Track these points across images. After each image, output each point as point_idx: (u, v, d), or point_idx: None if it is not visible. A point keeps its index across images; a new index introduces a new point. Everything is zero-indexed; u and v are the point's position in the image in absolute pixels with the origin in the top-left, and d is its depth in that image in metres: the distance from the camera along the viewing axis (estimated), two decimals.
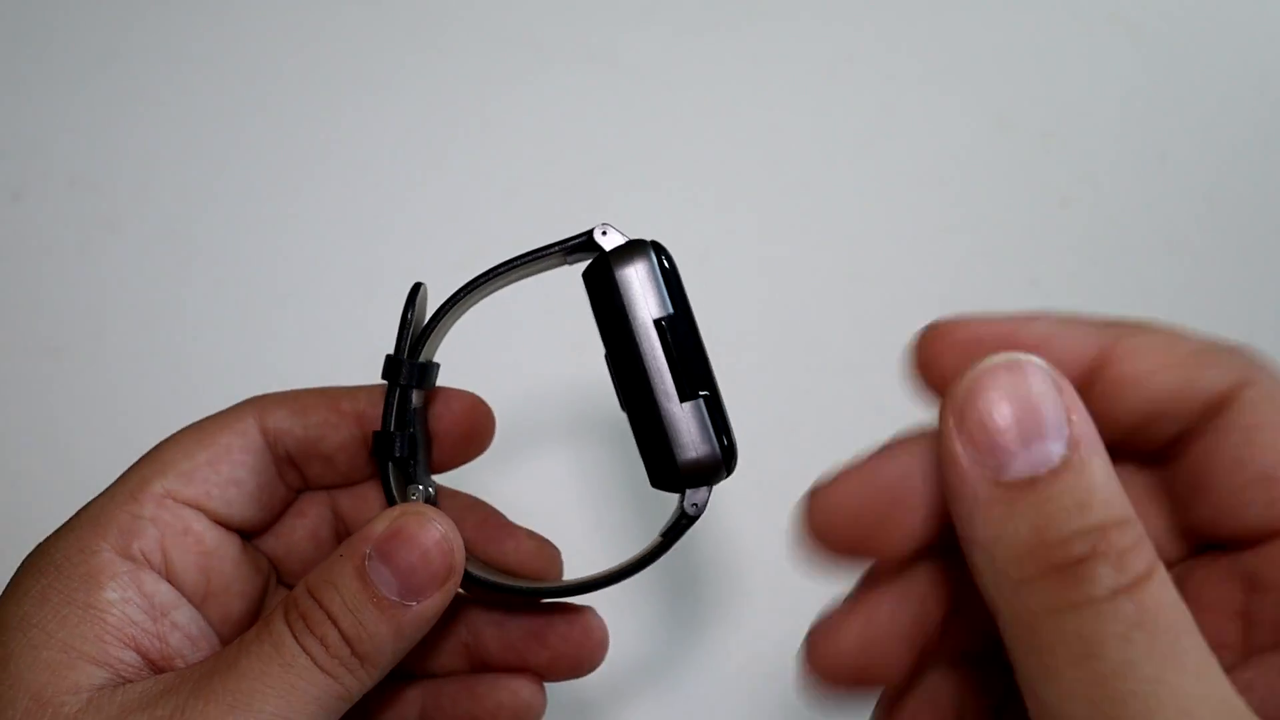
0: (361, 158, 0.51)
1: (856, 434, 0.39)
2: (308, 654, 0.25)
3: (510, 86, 0.53)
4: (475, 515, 0.32)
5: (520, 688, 0.32)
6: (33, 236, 0.49)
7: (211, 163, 0.51)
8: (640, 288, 0.27)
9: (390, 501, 0.29)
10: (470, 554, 0.29)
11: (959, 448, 0.20)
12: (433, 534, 0.26)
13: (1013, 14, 0.55)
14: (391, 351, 0.29)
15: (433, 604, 0.26)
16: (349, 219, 0.51)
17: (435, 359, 0.30)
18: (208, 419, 0.30)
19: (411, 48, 0.53)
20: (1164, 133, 0.53)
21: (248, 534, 0.30)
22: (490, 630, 0.31)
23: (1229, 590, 0.22)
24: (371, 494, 0.32)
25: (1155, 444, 0.23)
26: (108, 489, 0.28)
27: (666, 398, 0.27)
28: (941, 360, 0.23)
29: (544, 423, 0.47)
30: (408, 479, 0.30)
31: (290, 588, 0.32)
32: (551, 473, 0.46)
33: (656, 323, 0.27)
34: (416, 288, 0.30)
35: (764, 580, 0.44)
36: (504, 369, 0.48)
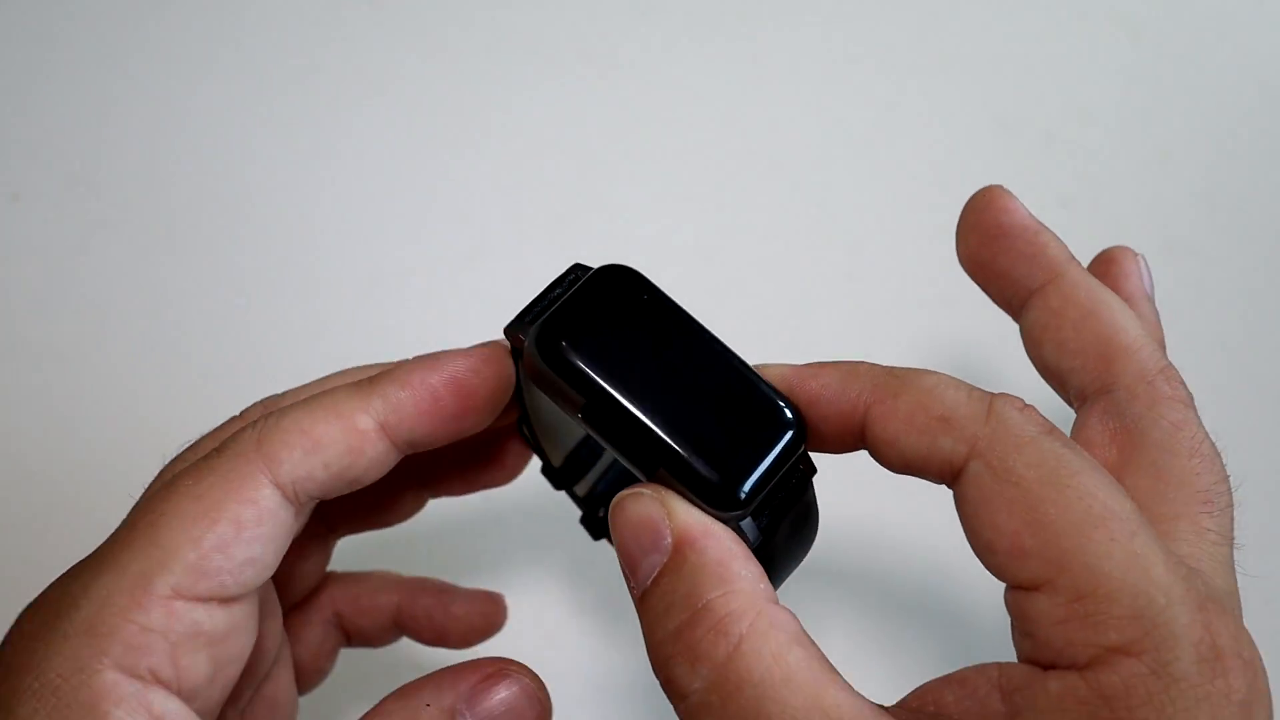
0: (362, 158, 0.51)
1: None
2: None
3: (510, 86, 0.53)
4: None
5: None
6: (33, 236, 0.49)
7: (211, 162, 0.51)
8: (552, 388, 0.24)
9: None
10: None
11: (626, 574, 0.23)
12: (526, 693, 0.25)
13: (1013, 14, 0.55)
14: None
15: None
16: (350, 219, 0.51)
17: None
18: (208, 476, 0.25)
19: (411, 47, 0.53)
20: (1164, 133, 0.53)
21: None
22: (419, 601, 0.34)
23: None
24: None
25: (937, 483, 0.25)
26: (100, 579, 0.24)
27: (642, 476, 0.25)
28: None
29: None
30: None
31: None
32: None
33: (581, 415, 0.24)
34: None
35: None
36: None
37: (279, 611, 0.31)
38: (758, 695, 0.21)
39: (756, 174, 0.52)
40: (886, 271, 0.51)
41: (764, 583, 0.23)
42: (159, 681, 0.24)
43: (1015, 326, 0.52)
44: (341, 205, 0.51)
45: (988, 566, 0.23)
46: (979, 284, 0.31)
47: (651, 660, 0.22)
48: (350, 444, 0.26)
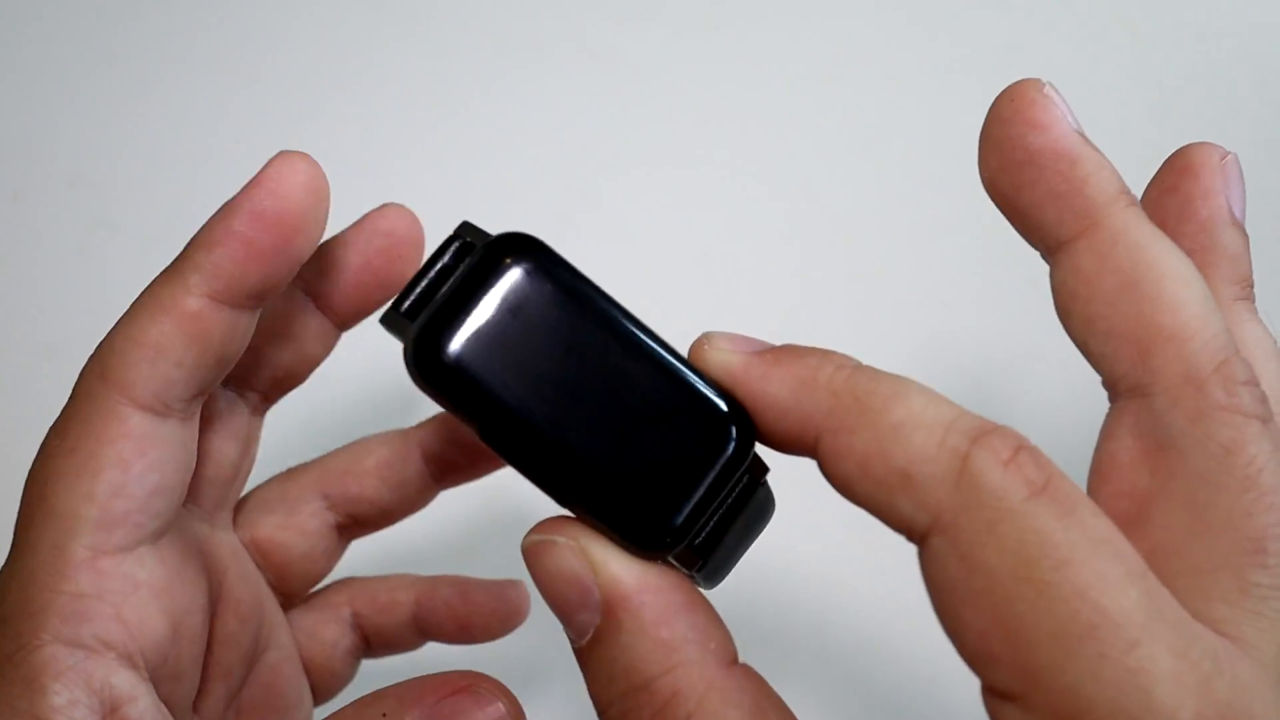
0: (360, 156, 0.51)
1: None
2: None
3: (509, 84, 0.53)
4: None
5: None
6: (33, 236, 0.49)
7: (211, 162, 0.51)
8: (442, 404, 0.20)
9: None
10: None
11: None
12: (496, 716, 0.23)
13: (1013, 14, 0.55)
14: None
15: None
16: (349, 218, 0.51)
17: None
18: (70, 426, 0.24)
19: (411, 47, 0.53)
20: (1164, 132, 0.53)
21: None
22: (439, 594, 0.33)
23: None
24: (362, 473, 0.32)
25: None
26: (16, 561, 0.23)
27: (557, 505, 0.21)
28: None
29: None
30: None
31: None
32: None
33: (480, 436, 0.20)
34: None
35: (770, 574, 0.44)
36: None
37: (237, 554, 0.30)
38: None
39: (756, 173, 0.52)
40: (886, 271, 0.50)
41: (714, 641, 0.20)
42: (108, 646, 0.23)
43: (1015, 326, 0.52)
44: (342, 205, 0.51)
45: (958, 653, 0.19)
46: (1004, 214, 0.24)
47: (598, 713, 0.21)
48: (188, 331, 0.24)
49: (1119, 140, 0.53)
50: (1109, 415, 0.21)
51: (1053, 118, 0.24)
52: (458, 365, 0.19)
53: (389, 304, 0.21)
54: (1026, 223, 0.23)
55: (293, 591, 0.32)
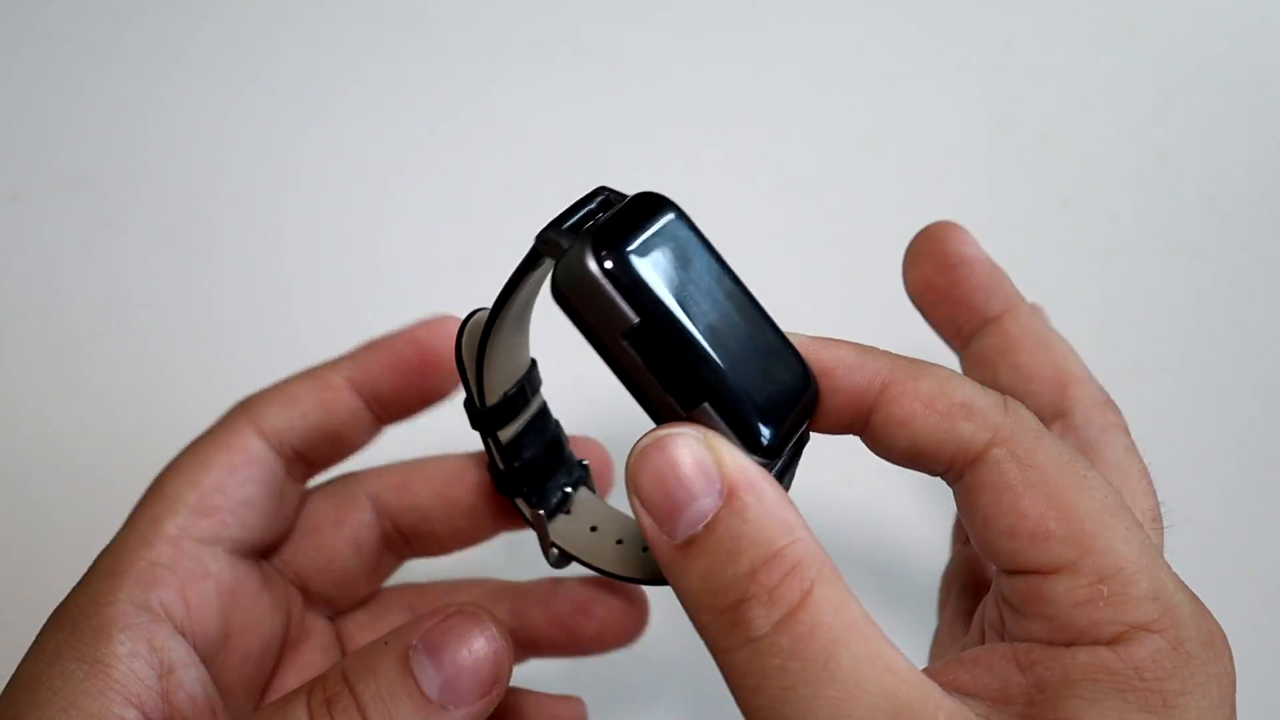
0: (362, 156, 0.51)
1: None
2: None
3: (509, 84, 0.53)
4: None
5: (563, 710, 0.33)
6: (33, 236, 0.49)
7: (211, 162, 0.51)
8: (597, 303, 0.22)
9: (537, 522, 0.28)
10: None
11: (644, 519, 0.22)
12: (486, 636, 0.24)
13: (1013, 14, 0.55)
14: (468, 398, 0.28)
15: (470, 714, 0.24)
16: (350, 217, 0.51)
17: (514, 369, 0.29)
18: (204, 438, 0.29)
19: (411, 46, 0.53)
20: (1164, 133, 0.53)
21: (266, 550, 0.30)
22: (536, 610, 0.32)
23: (998, 601, 0.25)
24: (417, 482, 0.32)
25: (935, 471, 0.26)
26: (120, 532, 0.27)
27: (672, 414, 0.23)
28: None
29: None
30: (529, 502, 0.29)
31: (318, 607, 0.32)
32: None
33: (627, 336, 0.22)
34: (461, 329, 0.27)
35: None
36: None
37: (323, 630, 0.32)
38: (829, 640, 0.21)
39: (756, 173, 0.52)
40: (886, 271, 0.50)
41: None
42: (169, 616, 0.26)
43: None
44: (342, 203, 0.51)
45: (998, 552, 0.24)
46: (925, 310, 0.33)
47: (702, 605, 0.22)
48: (322, 396, 0.29)
49: (1119, 140, 0.53)
50: None
51: (971, 238, 0.32)
52: (634, 266, 0.22)
53: (552, 220, 0.23)
54: (957, 308, 0.32)
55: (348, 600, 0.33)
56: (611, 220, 0.23)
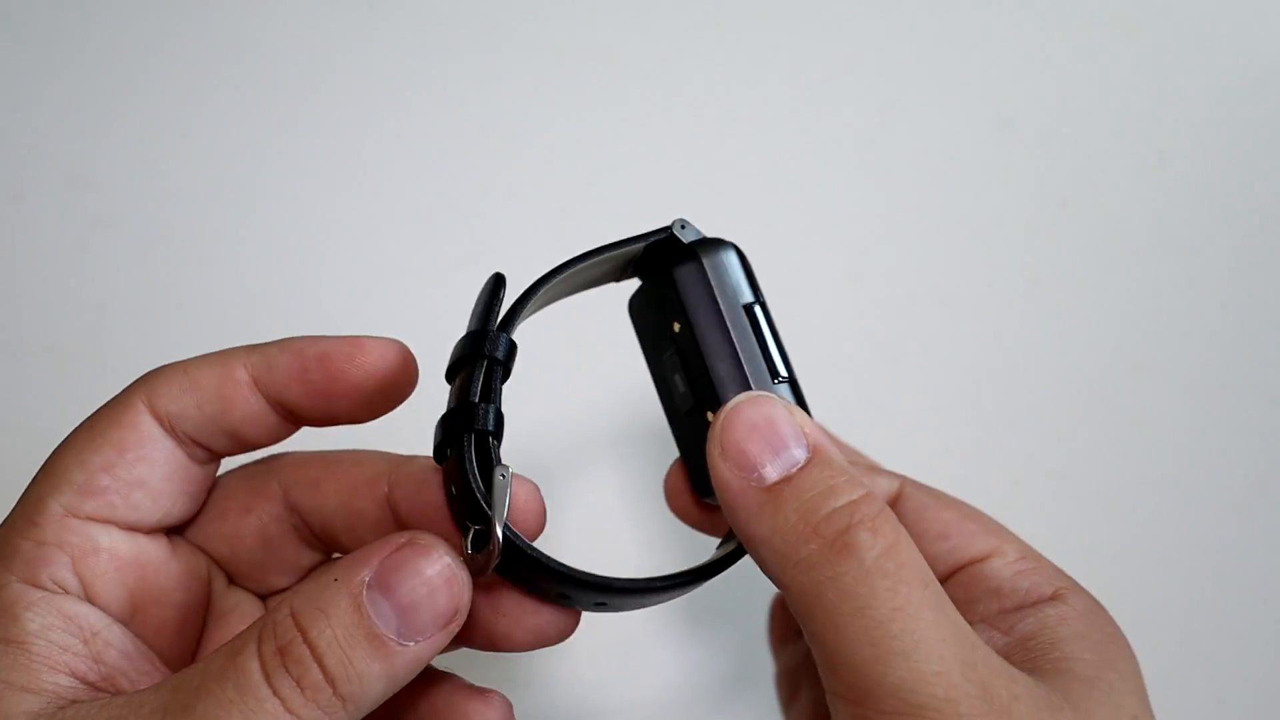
0: (362, 156, 0.51)
1: (854, 433, 0.39)
2: (278, 698, 0.22)
3: (509, 84, 0.53)
4: None
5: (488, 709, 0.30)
6: (33, 236, 0.49)
7: (212, 162, 0.51)
8: (731, 275, 0.29)
9: (467, 478, 0.25)
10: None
11: (725, 471, 0.25)
12: (440, 567, 0.24)
13: (1013, 14, 0.55)
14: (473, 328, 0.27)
15: (431, 645, 0.24)
16: (350, 217, 0.51)
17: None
18: (98, 412, 0.27)
19: (411, 46, 0.53)
20: (1164, 133, 0.53)
21: (174, 528, 0.29)
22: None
23: None
24: (327, 483, 0.29)
25: None
26: (10, 513, 0.26)
27: (759, 380, 0.28)
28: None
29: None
30: (495, 461, 0.26)
31: (243, 587, 0.31)
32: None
33: (746, 308, 0.29)
34: (499, 279, 0.28)
35: None
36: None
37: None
38: (922, 571, 0.24)
39: (755, 174, 0.52)
40: (886, 271, 0.51)
41: None
42: (64, 590, 0.25)
43: (1012, 325, 0.52)
44: (342, 203, 0.51)
45: (934, 558, 0.30)
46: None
47: (803, 537, 0.24)
48: (224, 390, 0.27)
49: (1119, 140, 0.53)
50: None
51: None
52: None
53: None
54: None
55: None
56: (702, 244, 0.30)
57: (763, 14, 0.54)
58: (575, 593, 0.26)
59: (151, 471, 0.27)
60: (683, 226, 0.29)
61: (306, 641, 0.22)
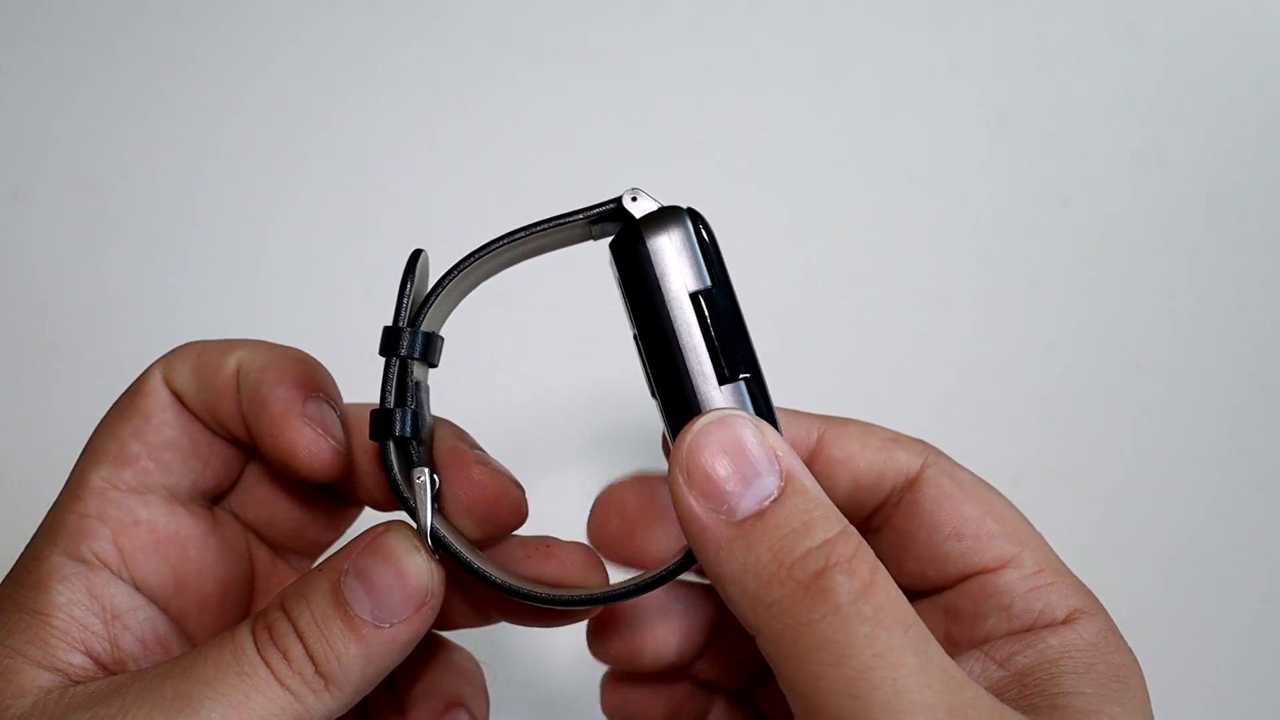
0: (362, 156, 0.51)
1: None
2: (267, 665, 0.24)
3: (508, 84, 0.53)
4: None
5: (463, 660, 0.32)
6: (33, 236, 0.49)
7: (211, 162, 0.51)
8: (675, 258, 0.25)
9: (391, 485, 0.26)
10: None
11: (692, 501, 0.23)
12: (405, 551, 0.25)
13: (1013, 14, 0.55)
14: (390, 323, 0.26)
15: (407, 629, 0.25)
16: (349, 217, 0.51)
17: (441, 334, 0.28)
18: (125, 392, 0.29)
19: (411, 45, 0.53)
20: (1164, 133, 0.53)
21: (213, 497, 0.29)
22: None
23: (936, 621, 0.27)
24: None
25: (864, 514, 0.28)
26: (59, 494, 0.28)
27: (703, 380, 0.25)
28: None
29: (550, 425, 0.47)
30: (410, 461, 0.26)
31: (288, 557, 0.32)
32: (566, 478, 0.46)
33: (693, 297, 0.25)
34: (416, 255, 0.27)
35: None
36: (503, 364, 0.48)
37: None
38: (903, 612, 0.22)
39: (756, 174, 0.52)
40: (886, 271, 0.50)
41: None
42: (104, 564, 0.26)
43: (1012, 325, 0.52)
44: (342, 203, 0.51)
45: (944, 558, 0.27)
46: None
47: (775, 579, 0.22)
48: (216, 381, 0.28)
49: (1119, 140, 0.53)
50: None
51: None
52: (716, 239, 0.26)
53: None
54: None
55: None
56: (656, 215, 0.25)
57: (762, 15, 0.54)
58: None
59: (178, 435, 0.28)
60: (634, 199, 0.26)
61: (289, 620, 0.24)
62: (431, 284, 0.27)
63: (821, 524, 0.22)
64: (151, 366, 0.28)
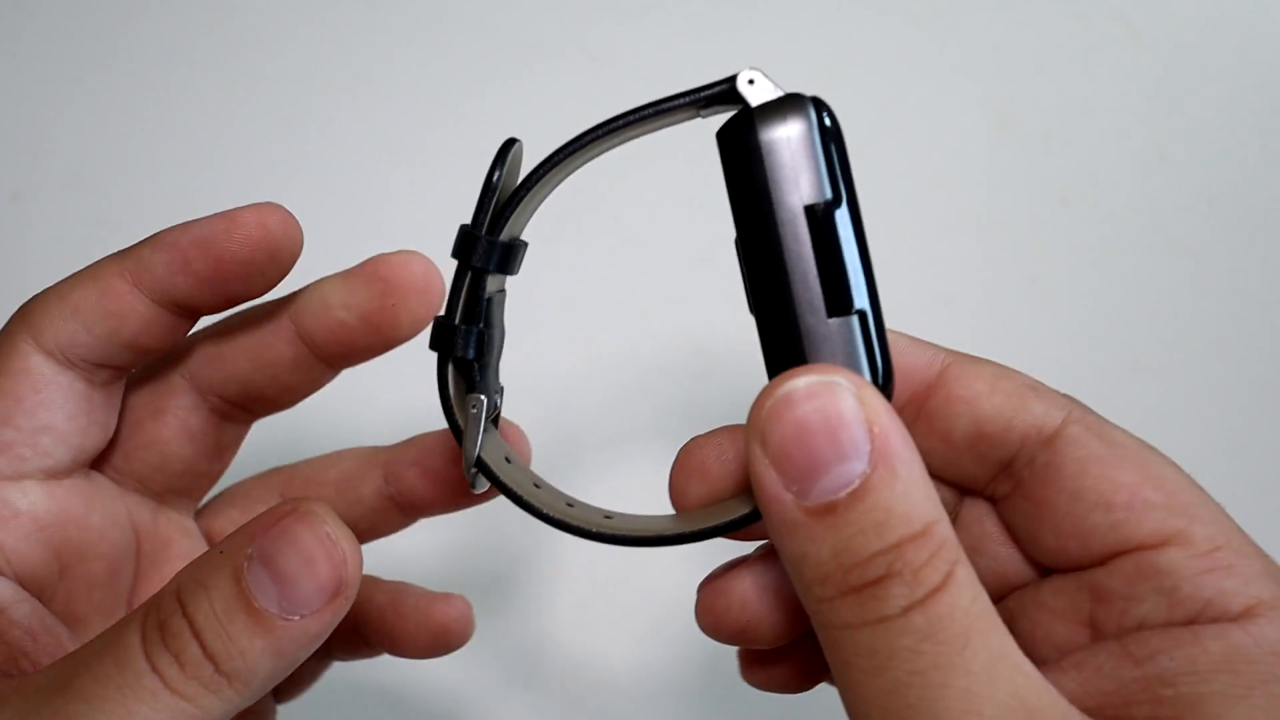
0: (362, 156, 0.51)
1: None
2: (157, 673, 0.21)
3: (508, 84, 0.53)
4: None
5: (445, 608, 0.31)
6: (33, 236, 0.49)
7: (211, 162, 0.51)
8: (792, 160, 0.21)
9: (444, 406, 0.24)
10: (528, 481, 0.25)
11: (765, 471, 0.20)
12: (319, 535, 0.22)
13: (1013, 14, 0.55)
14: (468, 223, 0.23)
15: (319, 621, 0.22)
16: (350, 217, 0.51)
17: (523, 238, 0.25)
18: None
19: (411, 45, 0.53)
20: (1164, 133, 0.53)
21: (89, 463, 0.28)
22: (411, 472, 0.31)
23: (1078, 600, 0.23)
24: (229, 353, 0.28)
25: (989, 471, 0.24)
26: None
27: (810, 310, 0.21)
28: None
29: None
30: (469, 385, 0.24)
31: (178, 506, 0.30)
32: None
33: (809, 210, 0.21)
34: (509, 144, 0.24)
35: None
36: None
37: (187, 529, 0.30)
38: (967, 626, 0.19)
39: None
40: (886, 271, 0.50)
41: None
42: None
43: (1012, 325, 0.52)
44: (342, 203, 0.51)
45: (1090, 531, 0.22)
46: None
47: (831, 578, 0.20)
48: (107, 305, 0.25)
49: (1119, 140, 0.53)
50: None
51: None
52: (845, 143, 0.21)
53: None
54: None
55: None
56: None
57: (762, 15, 0.54)
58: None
59: (54, 414, 0.25)
60: (751, 81, 0.22)
61: (185, 615, 0.21)
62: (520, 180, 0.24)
63: (899, 525, 0.19)
64: (12, 337, 0.25)
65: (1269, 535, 0.48)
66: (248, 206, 0.27)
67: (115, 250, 0.27)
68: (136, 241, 0.27)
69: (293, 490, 0.31)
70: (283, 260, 0.27)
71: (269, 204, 0.26)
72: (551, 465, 0.47)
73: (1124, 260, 0.51)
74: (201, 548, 0.30)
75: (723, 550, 0.30)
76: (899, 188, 0.52)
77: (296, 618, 0.21)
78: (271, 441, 0.33)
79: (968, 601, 0.19)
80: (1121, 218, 0.52)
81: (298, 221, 0.27)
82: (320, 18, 0.53)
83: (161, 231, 0.27)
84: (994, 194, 0.52)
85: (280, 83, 0.52)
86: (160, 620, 0.21)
